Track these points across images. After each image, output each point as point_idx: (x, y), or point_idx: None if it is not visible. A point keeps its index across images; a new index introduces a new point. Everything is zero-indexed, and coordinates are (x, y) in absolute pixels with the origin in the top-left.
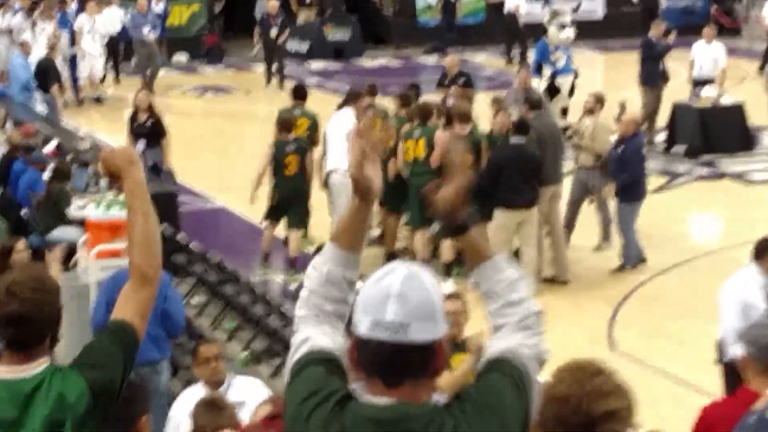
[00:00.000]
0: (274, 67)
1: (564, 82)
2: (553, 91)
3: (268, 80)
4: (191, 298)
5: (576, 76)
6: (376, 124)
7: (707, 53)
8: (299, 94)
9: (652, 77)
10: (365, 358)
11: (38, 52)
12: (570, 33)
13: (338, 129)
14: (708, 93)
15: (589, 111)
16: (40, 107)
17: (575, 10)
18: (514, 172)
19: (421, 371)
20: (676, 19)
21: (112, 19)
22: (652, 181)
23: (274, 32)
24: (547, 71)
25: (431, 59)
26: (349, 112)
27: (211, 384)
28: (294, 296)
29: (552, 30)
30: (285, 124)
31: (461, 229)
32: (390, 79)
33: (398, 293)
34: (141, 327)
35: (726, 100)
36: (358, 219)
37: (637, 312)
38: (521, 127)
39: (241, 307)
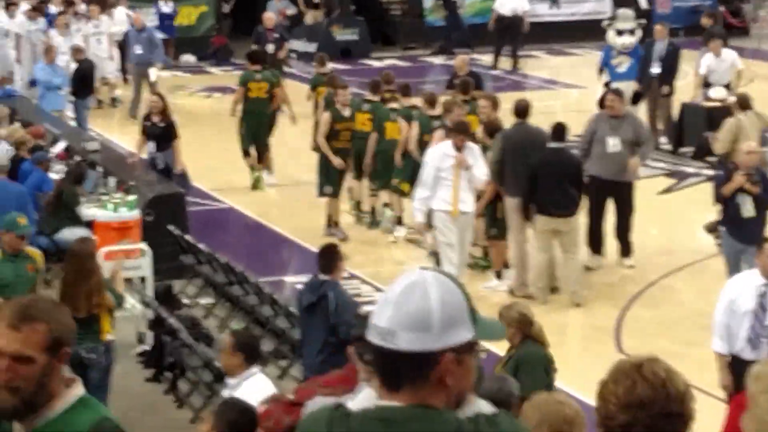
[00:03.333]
0: None
1: (625, 89)
2: (636, 97)
3: None
4: (199, 299)
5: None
6: None
7: (720, 65)
8: (256, 58)
9: (647, 80)
10: (371, 360)
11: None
12: (627, 39)
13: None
14: (717, 93)
15: (730, 113)
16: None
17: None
18: (550, 178)
19: (417, 379)
20: (684, 20)
21: (119, 20)
22: (660, 183)
23: (271, 48)
24: (604, 77)
25: (439, 59)
26: (448, 145)
27: (227, 373)
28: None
29: (610, 35)
30: (253, 56)
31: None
32: (398, 80)
33: (395, 300)
34: None
35: (734, 100)
36: None
37: (644, 313)
38: (558, 132)
39: (249, 309)
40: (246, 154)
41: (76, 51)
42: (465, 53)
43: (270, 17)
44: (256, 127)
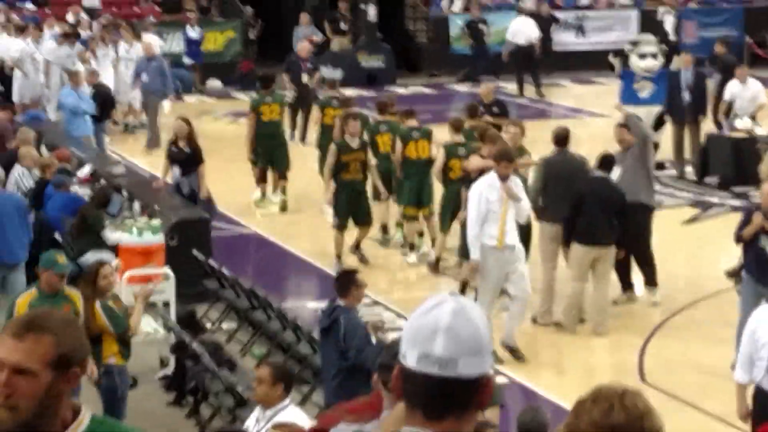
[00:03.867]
0: (299, 118)
1: (647, 114)
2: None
3: (293, 128)
4: (221, 324)
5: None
6: None
7: (744, 93)
8: (266, 82)
9: (676, 109)
10: (410, 390)
11: (104, 78)
12: (650, 63)
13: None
14: (742, 124)
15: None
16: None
17: (661, 40)
18: (595, 207)
19: (465, 406)
20: (710, 50)
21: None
22: (685, 212)
23: (306, 78)
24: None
25: (464, 87)
26: (493, 176)
27: (262, 404)
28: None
29: (633, 59)
30: (263, 80)
31: None
32: (423, 107)
33: (447, 327)
34: None
35: (760, 131)
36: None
37: (667, 343)
38: (605, 161)
39: (271, 334)
40: (263, 178)
41: (91, 74)
42: (491, 81)
43: (305, 47)
44: (272, 149)
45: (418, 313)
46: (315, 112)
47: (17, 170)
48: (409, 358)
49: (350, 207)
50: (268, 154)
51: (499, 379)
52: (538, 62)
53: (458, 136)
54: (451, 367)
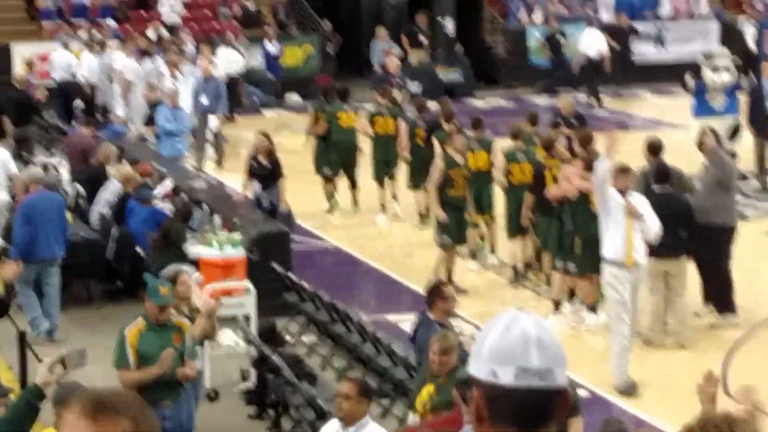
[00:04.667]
0: None
1: (721, 124)
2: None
3: None
4: (302, 337)
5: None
6: None
7: None
8: (343, 95)
9: (758, 120)
10: (504, 408)
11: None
12: (725, 76)
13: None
14: None
15: None
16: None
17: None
18: (660, 220)
19: (555, 414)
20: None
21: (233, 60)
22: (765, 225)
23: (397, 95)
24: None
25: (542, 99)
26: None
27: (341, 421)
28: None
29: (706, 72)
30: (342, 93)
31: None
32: (501, 119)
33: (537, 339)
34: None
35: None
36: None
37: (751, 357)
38: (661, 174)
39: (351, 347)
40: (327, 180)
41: (150, 88)
42: (569, 93)
43: (394, 62)
44: (347, 156)
45: (497, 332)
46: (362, 121)
47: (112, 185)
48: (504, 376)
49: (455, 224)
50: (342, 162)
51: (581, 392)
52: (606, 74)
53: (517, 142)
54: (550, 377)
